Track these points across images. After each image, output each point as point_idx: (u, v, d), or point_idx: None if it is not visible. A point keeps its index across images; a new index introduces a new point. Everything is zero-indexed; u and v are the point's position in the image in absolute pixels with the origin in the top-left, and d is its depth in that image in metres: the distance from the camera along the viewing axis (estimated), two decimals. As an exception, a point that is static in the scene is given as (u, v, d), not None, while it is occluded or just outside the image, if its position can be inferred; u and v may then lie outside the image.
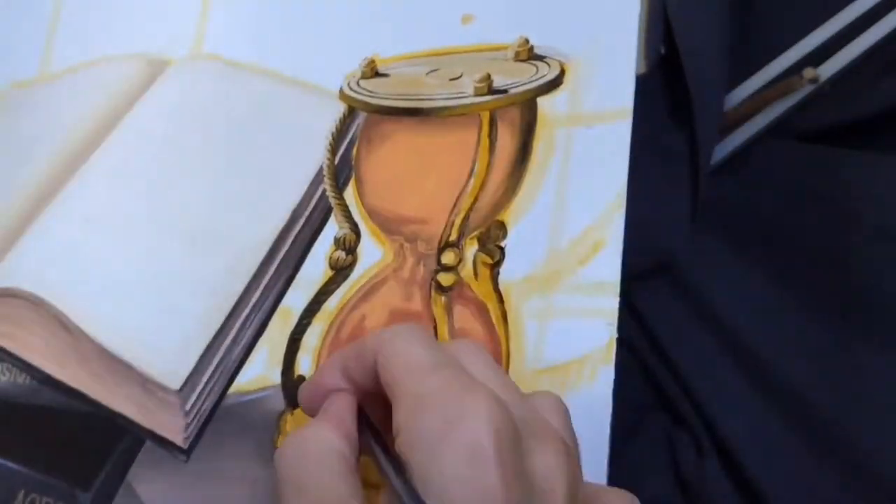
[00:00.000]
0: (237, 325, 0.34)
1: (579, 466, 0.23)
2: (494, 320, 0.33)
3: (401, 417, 0.22)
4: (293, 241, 0.35)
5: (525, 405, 0.24)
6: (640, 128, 0.33)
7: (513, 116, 0.34)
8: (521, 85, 0.33)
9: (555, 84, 0.34)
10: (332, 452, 0.23)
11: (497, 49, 0.35)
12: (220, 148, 0.36)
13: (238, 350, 0.34)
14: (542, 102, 0.34)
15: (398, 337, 0.25)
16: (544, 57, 0.34)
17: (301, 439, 0.24)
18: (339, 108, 0.35)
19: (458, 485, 0.20)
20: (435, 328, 0.33)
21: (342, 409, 0.25)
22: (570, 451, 0.23)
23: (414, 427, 0.22)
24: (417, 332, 0.25)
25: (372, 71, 0.35)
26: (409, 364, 0.23)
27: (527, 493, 0.21)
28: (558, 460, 0.22)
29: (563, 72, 0.34)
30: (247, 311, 0.34)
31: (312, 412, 0.27)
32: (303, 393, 0.28)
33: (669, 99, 0.39)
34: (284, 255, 0.34)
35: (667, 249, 0.38)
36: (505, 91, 0.33)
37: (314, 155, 0.35)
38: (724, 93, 0.42)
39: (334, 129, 0.35)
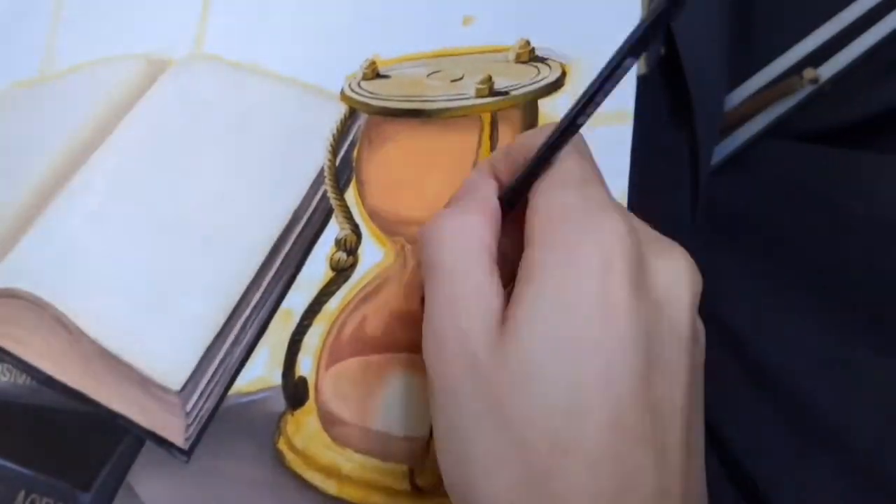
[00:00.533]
0: (238, 325, 0.34)
1: (700, 276, 0.23)
2: None
3: (538, 221, 0.22)
4: (294, 242, 0.34)
5: (653, 232, 0.24)
6: (640, 128, 0.33)
7: (514, 118, 0.34)
8: (523, 87, 0.33)
9: (556, 86, 0.33)
10: (478, 243, 0.23)
11: (498, 51, 0.34)
12: (220, 148, 0.36)
13: (239, 351, 0.34)
14: (544, 104, 0.34)
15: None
16: (545, 59, 0.34)
17: (449, 224, 0.24)
18: (340, 110, 0.35)
19: (586, 296, 0.20)
20: None
21: (488, 196, 0.25)
22: (692, 261, 0.23)
23: (551, 234, 0.22)
24: (576, 140, 0.24)
25: (373, 72, 0.35)
26: (556, 173, 0.23)
27: (651, 307, 0.21)
28: (680, 267, 0.22)
29: (564, 74, 0.33)
30: (248, 311, 0.34)
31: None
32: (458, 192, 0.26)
33: (669, 99, 0.38)
34: (285, 257, 0.34)
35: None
36: (506, 93, 0.33)
37: (315, 156, 0.35)
38: (724, 93, 0.41)
39: (335, 131, 0.35)
